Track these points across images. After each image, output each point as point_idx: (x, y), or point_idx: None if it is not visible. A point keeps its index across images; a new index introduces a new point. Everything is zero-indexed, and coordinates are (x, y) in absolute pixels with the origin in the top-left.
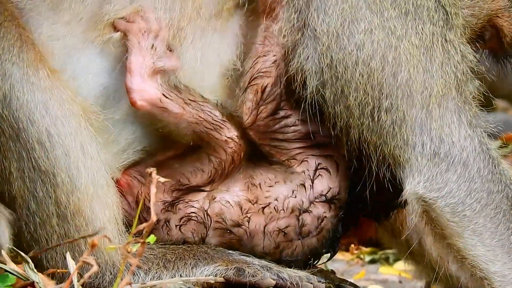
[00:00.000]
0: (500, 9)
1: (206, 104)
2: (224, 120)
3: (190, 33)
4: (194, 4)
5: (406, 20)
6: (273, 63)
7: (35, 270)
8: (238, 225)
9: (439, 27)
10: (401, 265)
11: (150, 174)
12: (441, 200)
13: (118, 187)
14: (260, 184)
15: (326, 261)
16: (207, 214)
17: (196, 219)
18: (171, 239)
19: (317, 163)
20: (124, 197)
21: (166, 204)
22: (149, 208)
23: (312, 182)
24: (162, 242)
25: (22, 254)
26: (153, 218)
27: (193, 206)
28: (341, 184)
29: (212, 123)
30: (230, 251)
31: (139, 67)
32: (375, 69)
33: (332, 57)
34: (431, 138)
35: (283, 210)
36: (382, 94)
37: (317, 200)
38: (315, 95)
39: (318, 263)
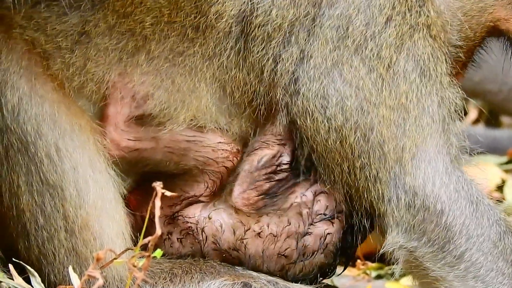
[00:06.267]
0: (501, 19)
1: (177, 126)
2: (202, 132)
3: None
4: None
5: (382, 87)
6: (276, 139)
7: (42, 284)
8: (235, 249)
9: (415, 84)
10: (407, 281)
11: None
12: (421, 249)
13: (127, 205)
14: (249, 213)
15: (339, 274)
16: (203, 232)
17: (193, 235)
18: (175, 253)
19: (314, 192)
20: (133, 215)
21: (167, 217)
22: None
23: (311, 210)
24: (169, 256)
25: (29, 268)
26: (158, 231)
27: (190, 222)
28: (340, 197)
29: (189, 141)
30: (236, 266)
31: (113, 118)
32: (347, 135)
33: (309, 131)
34: (405, 191)
35: (278, 235)
36: (354, 156)
37: (316, 220)
38: (308, 159)
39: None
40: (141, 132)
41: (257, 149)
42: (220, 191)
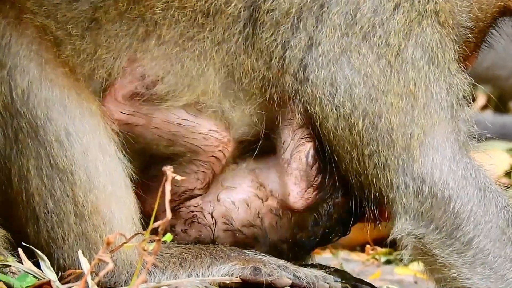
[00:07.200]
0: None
1: (173, 107)
2: (195, 116)
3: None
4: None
5: (390, 74)
6: (309, 132)
7: (51, 268)
8: (250, 225)
9: (423, 72)
10: (416, 266)
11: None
12: (429, 236)
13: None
14: (270, 188)
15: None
16: (212, 217)
17: (199, 222)
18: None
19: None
20: (142, 200)
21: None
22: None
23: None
24: (178, 242)
25: (39, 252)
26: (168, 215)
27: (194, 211)
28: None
29: (180, 124)
30: (246, 251)
31: (117, 90)
32: (355, 123)
33: (319, 118)
34: (413, 178)
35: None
36: (363, 143)
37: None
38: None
39: (333, 263)
40: (136, 108)
41: (298, 146)
42: (216, 181)
